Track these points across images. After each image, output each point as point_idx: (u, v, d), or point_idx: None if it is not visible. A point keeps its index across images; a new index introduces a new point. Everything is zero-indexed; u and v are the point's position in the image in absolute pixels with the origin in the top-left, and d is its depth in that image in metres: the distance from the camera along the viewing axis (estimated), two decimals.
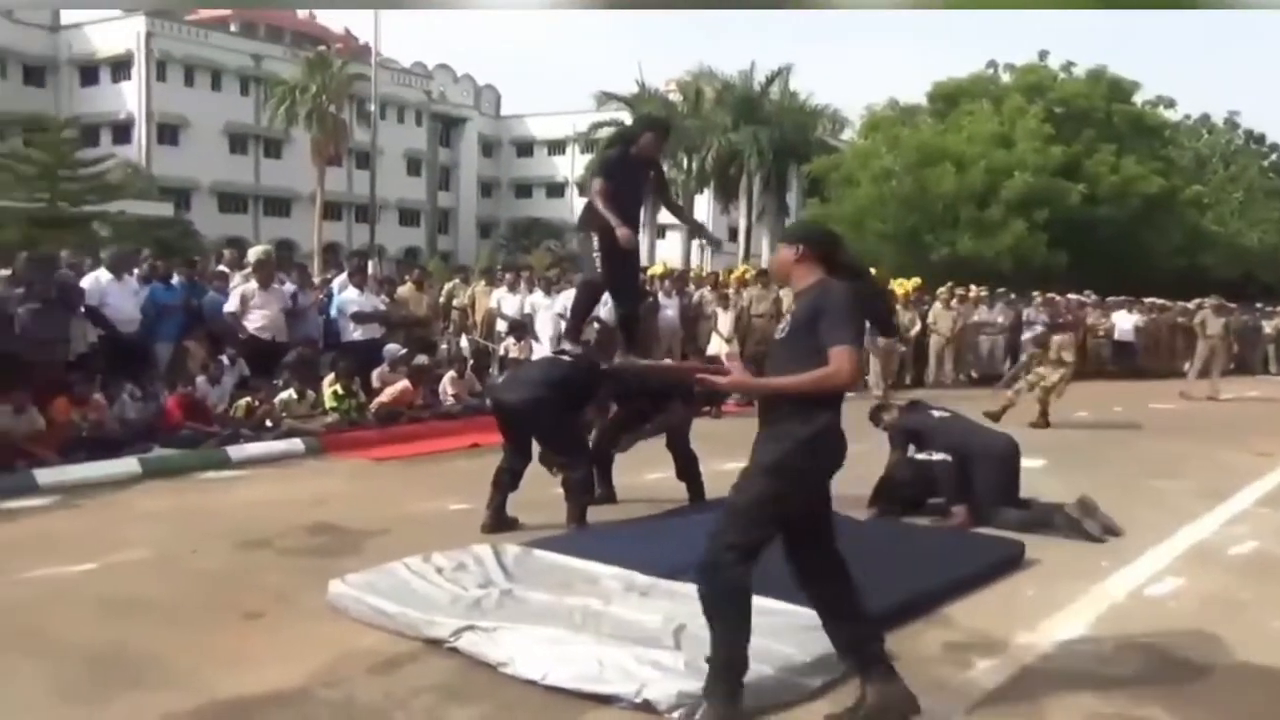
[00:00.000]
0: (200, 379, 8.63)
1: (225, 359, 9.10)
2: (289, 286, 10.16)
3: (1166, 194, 28.32)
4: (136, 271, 9.61)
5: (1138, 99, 31.36)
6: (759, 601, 4.06)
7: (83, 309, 8.43)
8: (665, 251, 40.90)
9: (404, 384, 9.32)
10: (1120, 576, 5.10)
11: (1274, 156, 44.87)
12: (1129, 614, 4.54)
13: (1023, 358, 11.51)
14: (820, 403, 3.27)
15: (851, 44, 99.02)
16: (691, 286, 14.41)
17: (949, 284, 16.95)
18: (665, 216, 42.34)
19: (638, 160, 6.01)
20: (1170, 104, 34.99)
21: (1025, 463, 6.65)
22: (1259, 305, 23.42)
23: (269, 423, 8.51)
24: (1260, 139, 44.80)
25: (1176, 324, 19.48)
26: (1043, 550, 5.38)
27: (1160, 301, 20.22)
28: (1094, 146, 28.08)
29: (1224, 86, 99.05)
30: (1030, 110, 28.21)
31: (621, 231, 5.62)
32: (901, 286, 16.30)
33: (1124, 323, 18.83)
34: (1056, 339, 11.14)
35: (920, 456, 6.26)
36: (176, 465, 7.45)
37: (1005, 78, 31.73)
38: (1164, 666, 3.91)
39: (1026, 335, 16.45)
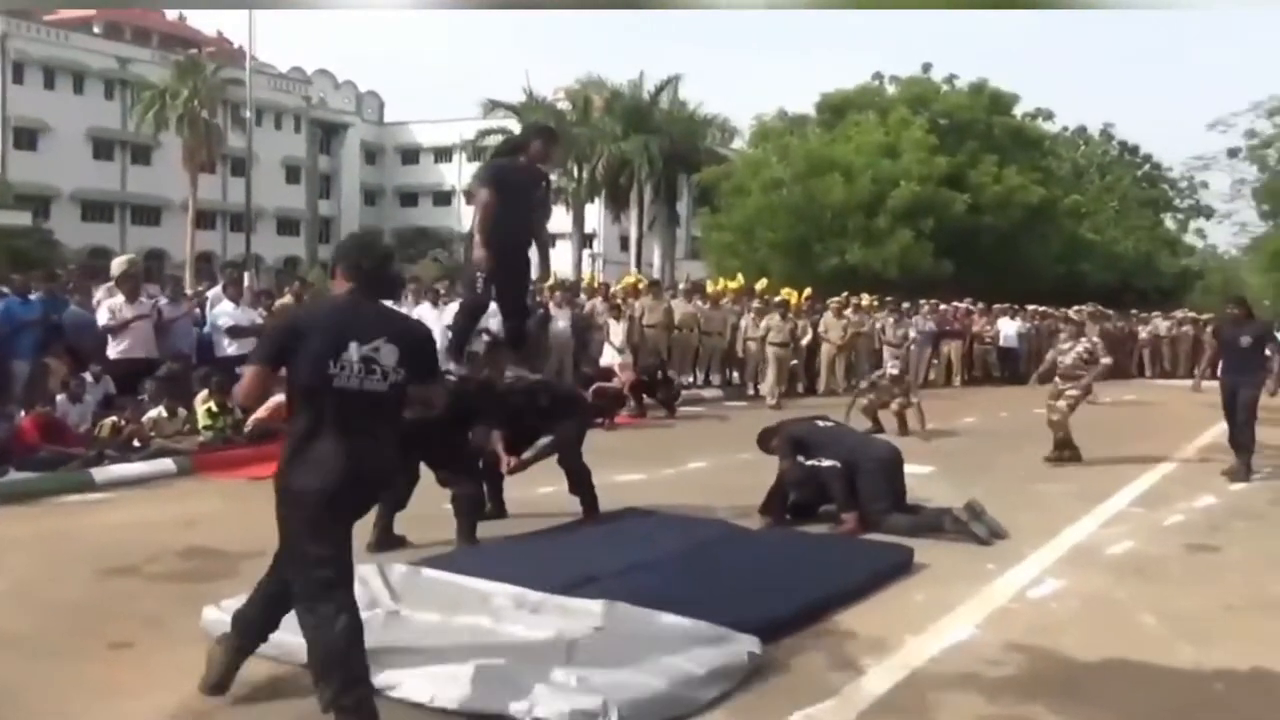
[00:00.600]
0: (60, 397, 8.14)
1: (88, 376, 8.60)
2: (161, 300, 9.67)
3: (1047, 204, 29.52)
4: None
5: (1017, 111, 32.66)
6: (652, 615, 4.05)
7: None
8: (556, 261, 40.51)
9: (279, 398, 8.89)
10: (1005, 579, 5.24)
11: (1146, 167, 47.49)
12: (1014, 616, 4.66)
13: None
14: (294, 424, 3.28)
15: (739, 54, 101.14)
16: (583, 297, 14.34)
17: (844, 294, 17.29)
18: (555, 225, 42.45)
19: (527, 170, 5.92)
20: (1049, 116, 36.73)
21: (912, 469, 6.82)
22: (1134, 311, 24.61)
23: (137, 443, 8.07)
24: (1134, 150, 47.37)
25: (1057, 330, 20.37)
26: (931, 555, 5.49)
27: (1042, 309, 21.06)
28: (977, 157, 29.03)
29: (1099, 97, 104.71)
30: (915, 121, 29.03)
31: (476, 254, 5.64)
32: (792, 296, 16.58)
33: (1008, 329, 19.58)
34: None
35: (810, 463, 6.33)
36: (35, 489, 6.99)
37: (890, 89, 32.65)
38: (1048, 666, 4.02)
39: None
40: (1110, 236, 35.95)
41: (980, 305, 20.23)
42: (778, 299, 15.55)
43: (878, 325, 16.78)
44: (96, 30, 48.01)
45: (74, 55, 43.55)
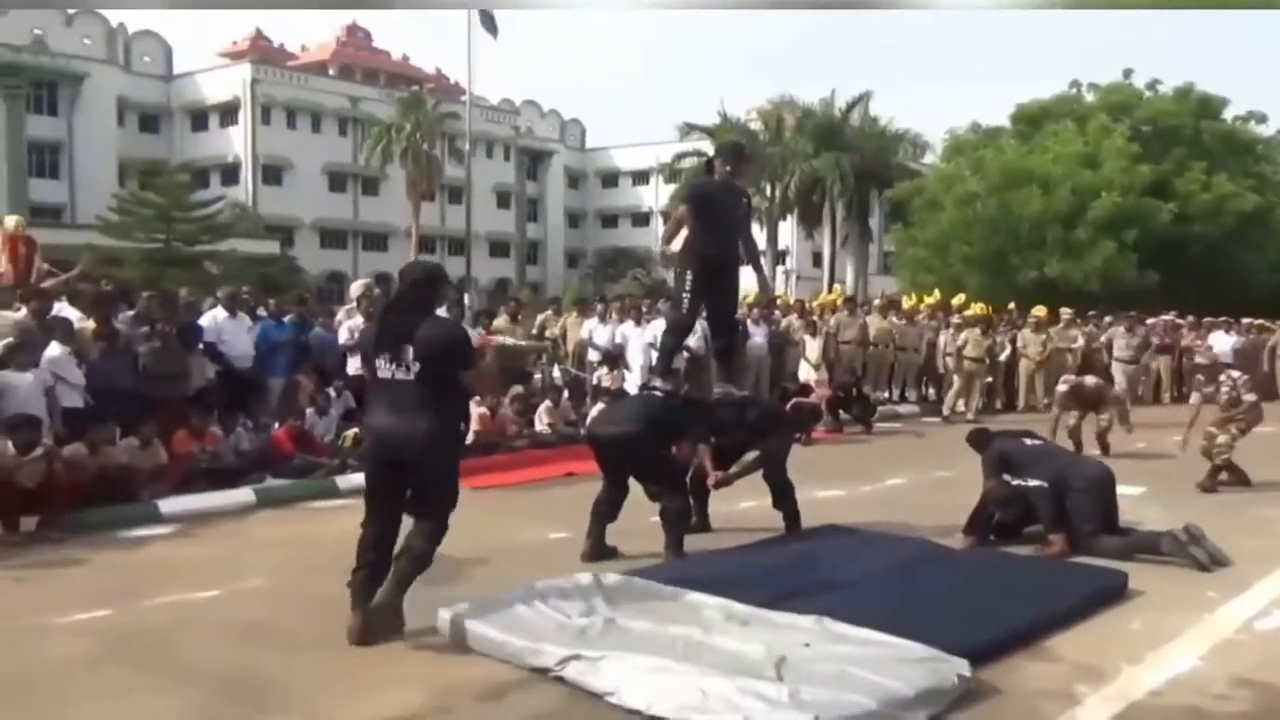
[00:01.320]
0: (309, 411, 9.01)
1: (332, 391, 9.48)
2: None
3: (1262, 210, 27.31)
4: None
5: (1227, 115, 30.32)
6: (861, 633, 4.11)
7: (200, 346, 8.92)
8: (749, 279, 40.77)
9: (480, 411, 9.51)
10: (1230, 609, 4.96)
11: None
12: (1241, 648, 4.42)
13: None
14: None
15: (930, 71, 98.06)
16: (779, 314, 14.42)
17: (1042, 308, 16.56)
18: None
19: (727, 188, 6.16)
20: (1262, 119, 33.64)
21: (1124, 490, 6.51)
22: None
23: None
24: None
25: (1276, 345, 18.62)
26: (1146, 581, 5.25)
27: (1259, 321, 19.32)
28: (1183, 164, 27.26)
29: None
30: (1116, 129, 27.50)
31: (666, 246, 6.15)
32: (982, 310, 15.99)
33: (1221, 344, 18.02)
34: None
35: (1016, 483, 6.18)
36: (288, 495, 7.79)
37: (1089, 97, 30.98)
38: (1278, 704, 3.80)
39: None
40: None
41: (1190, 318, 18.75)
42: (972, 313, 15.10)
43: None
44: (332, 73, 52.58)
45: (313, 96, 47.79)
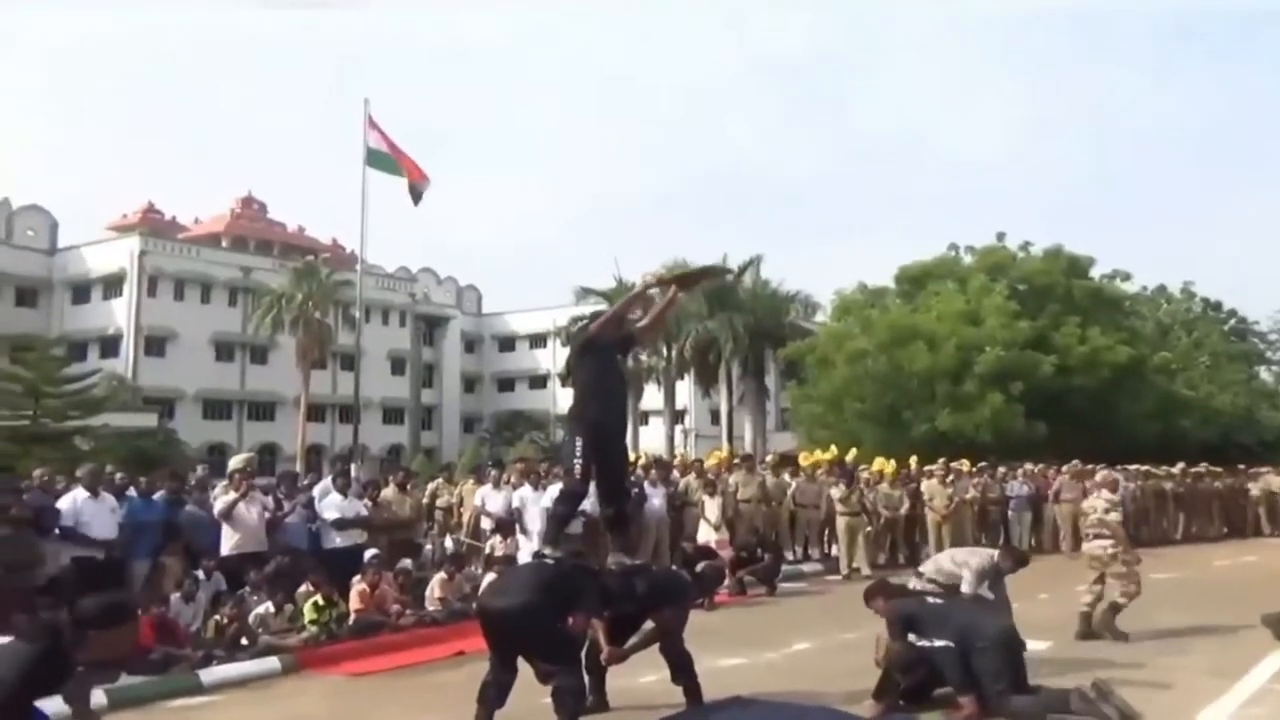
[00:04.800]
0: (175, 596, 8.37)
1: (200, 574, 8.86)
2: (268, 498, 10.09)
3: (1135, 362, 28.98)
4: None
5: (1095, 273, 32.55)
6: None
7: (57, 530, 8.27)
8: (648, 438, 41.02)
9: (360, 587, 9.01)
10: None
11: (1233, 321, 46.19)
12: None
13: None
14: None
15: (815, 237, 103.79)
16: (677, 474, 14.33)
17: (941, 460, 16.91)
18: (648, 403, 43.12)
19: (609, 344, 6.18)
20: (1126, 276, 36.35)
21: (1029, 645, 6.43)
22: (1241, 467, 23.42)
23: (244, 640, 8.17)
24: (1217, 306, 46.27)
25: (1164, 490, 19.39)
26: None
27: (1145, 468, 20.13)
28: (1059, 320, 28.88)
29: (1174, 257, 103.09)
30: (995, 288, 29.17)
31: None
32: (886, 466, 16.27)
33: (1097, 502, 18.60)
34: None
35: (922, 643, 6.03)
36: (146, 695, 7.07)
37: (967, 259, 32.97)
38: None
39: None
40: (1205, 391, 34.71)
41: (1082, 467, 19.43)
42: (842, 468, 15.36)
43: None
44: (225, 244, 52.28)
45: (203, 267, 47.24)
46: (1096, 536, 8.77)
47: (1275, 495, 21.14)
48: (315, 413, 44.95)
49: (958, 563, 7.51)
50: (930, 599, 6.51)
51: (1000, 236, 33.26)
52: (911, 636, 6.09)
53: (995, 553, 7.78)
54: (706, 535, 12.77)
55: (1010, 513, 17.14)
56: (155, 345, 45.31)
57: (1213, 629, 8.54)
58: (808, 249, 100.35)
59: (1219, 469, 21.78)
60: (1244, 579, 12.85)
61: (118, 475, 10.19)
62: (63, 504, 8.70)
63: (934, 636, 5.99)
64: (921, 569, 7.76)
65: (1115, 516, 8.78)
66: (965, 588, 7.15)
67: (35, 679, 3.62)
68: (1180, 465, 20.07)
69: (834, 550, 14.70)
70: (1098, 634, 8.34)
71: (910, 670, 6.06)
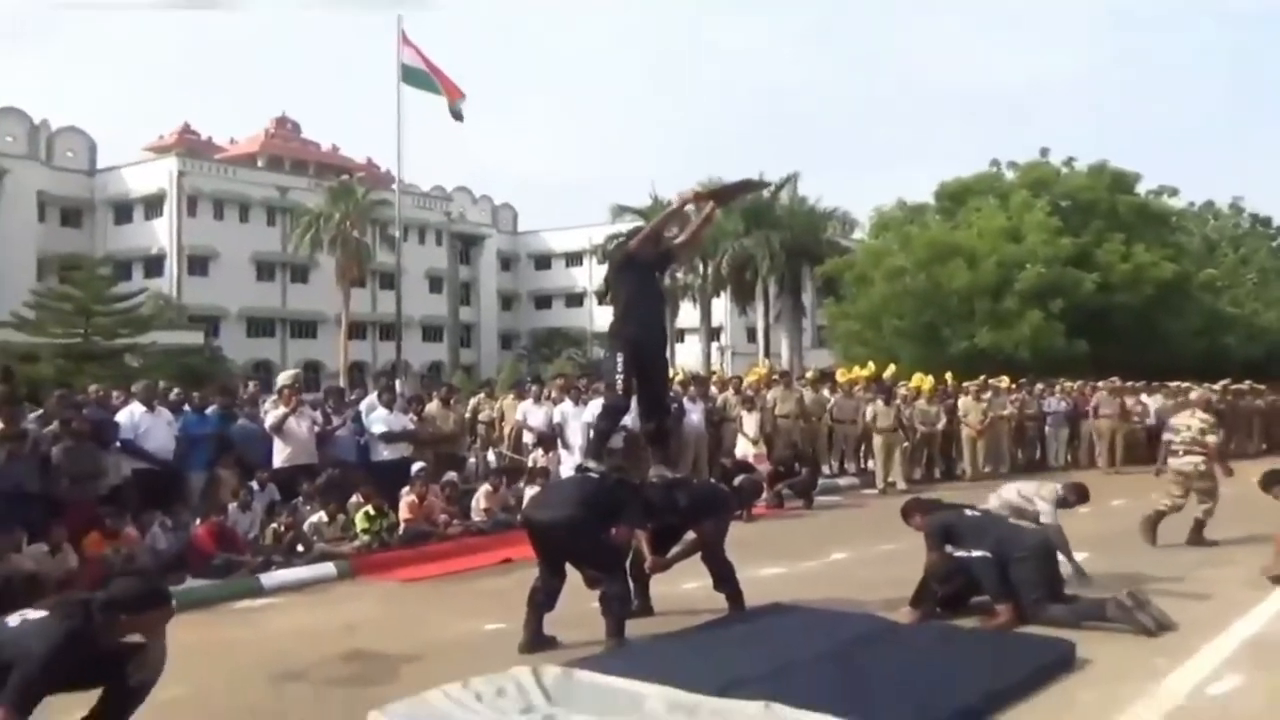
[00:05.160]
0: (232, 506, 8.66)
1: (255, 485, 9.15)
2: (317, 413, 10.33)
3: (1180, 279, 28.49)
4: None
5: (1140, 189, 31.79)
6: (810, 718, 3.97)
7: (117, 443, 8.55)
8: (684, 355, 41.15)
9: (409, 498, 9.29)
10: (1179, 675, 4.93)
11: None
12: (1194, 716, 4.38)
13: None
14: None
15: (855, 153, 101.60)
16: (714, 390, 14.43)
17: (981, 378, 16.90)
18: (683, 320, 43.09)
19: (647, 261, 6.20)
20: (1173, 192, 35.34)
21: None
22: None
23: (300, 547, 8.49)
24: (1266, 221, 44.87)
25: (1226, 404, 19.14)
26: (1094, 649, 5.21)
27: (1185, 385, 19.87)
28: (1103, 236, 28.36)
29: (1227, 172, 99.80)
30: (1036, 204, 28.59)
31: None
32: (923, 382, 16.26)
33: (1154, 407, 18.53)
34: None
35: (959, 554, 6.14)
36: (210, 596, 7.41)
37: (1009, 175, 32.27)
38: None
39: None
40: (1251, 309, 33.99)
41: (1120, 383, 19.27)
42: (879, 384, 15.38)
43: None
44: (260, 164, 52.40)
45: (240, 188, 47.51)
46: (1187, 453, 9.12)
47: None
48: (356, 330, 45.50)
49: (1026, 496, 7.52)
50: (968, 511, 6.58)
51: (1044, 152, 32.44)
52: (949, 547, 6.20)
53: (1059, 486, 7.81)
54: (745, 450, 12.92)
55: (1047, 429, 17.12)
56: (198, 264, 45.90)
57: (1252, 541, 8.55)
58: (847, 170, 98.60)
59: (1261, 386, 21.49)
60: None
61: (172, 390, 10.50)
62: (121, 418, 8.94)
63: (971, 547, 6.09)
64: (987, 505, 7.67)
65: (1213, 438, 9.17)
66: (1046, 519, 7.14)
67: (62, 655, 3.61)
68: (1223, 382, 19.79)
69: (870, 465, 14.82)
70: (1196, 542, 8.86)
71: (948, 579, 6.19)
